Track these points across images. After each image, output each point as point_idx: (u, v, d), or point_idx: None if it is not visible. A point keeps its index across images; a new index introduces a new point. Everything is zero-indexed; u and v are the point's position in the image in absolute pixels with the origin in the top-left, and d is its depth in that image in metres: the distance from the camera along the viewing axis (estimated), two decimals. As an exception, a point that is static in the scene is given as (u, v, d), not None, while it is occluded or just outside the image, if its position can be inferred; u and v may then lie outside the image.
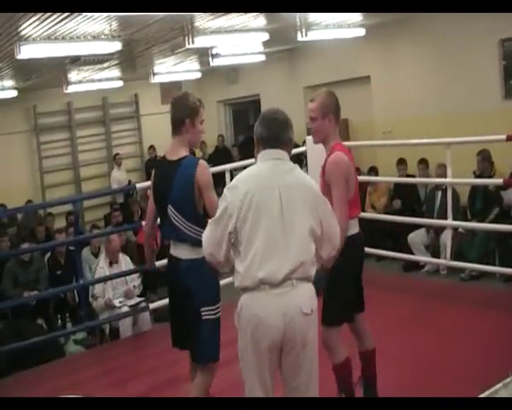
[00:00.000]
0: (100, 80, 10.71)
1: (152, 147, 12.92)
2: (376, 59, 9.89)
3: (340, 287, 3.66)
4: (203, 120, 3.81)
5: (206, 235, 3.04)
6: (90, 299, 6.69)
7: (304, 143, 7.42)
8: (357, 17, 8.29)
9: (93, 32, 6.54)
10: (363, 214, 8.19)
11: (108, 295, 6.64)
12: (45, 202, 11.60)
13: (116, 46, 7.04)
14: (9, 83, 9.89)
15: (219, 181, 9.92)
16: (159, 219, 3.90)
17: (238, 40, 8.35)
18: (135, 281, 6.90)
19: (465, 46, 8.34)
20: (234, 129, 14.42)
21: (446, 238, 6.82)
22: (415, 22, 8.84)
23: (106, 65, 9.28)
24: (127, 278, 6.82)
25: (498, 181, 6.87)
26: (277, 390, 2.96)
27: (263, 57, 10.80)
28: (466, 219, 7.69)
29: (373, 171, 9.30)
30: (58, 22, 5.76)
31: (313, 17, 7.70)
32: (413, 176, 8.69)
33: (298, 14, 7.45)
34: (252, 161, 6.99)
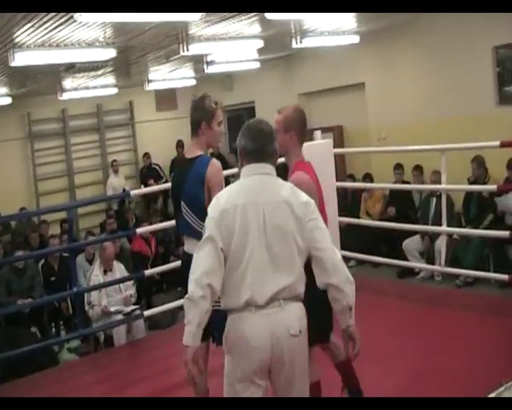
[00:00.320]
0: (95, 87, 10.69)
1: (147, 154, 12.91)
2: (371, 66, 9.91)
3: (316, 306, 3.60)
4: (221, 121, 3.88)
5: (199, 264, 2.76)
6: (87, 307, 6.66)
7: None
8: (351, 24, 8.32)
9: (88, 38, 6.54)
10: (358, 221, 8.29)
11: (104, 303, 6.62)
12: (39, 209, 11.56)
13: (111, 53, 7.04)
14: (3, 90, 9.87)
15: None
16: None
17: (233, 47, 8.36)
18: (129, 289, 6.88)
19: (459, 53, 8.37)
20: (229, 136, 14.41)
21: (441, 245, 6.83)
22: (409, 29, 8.87)
23: (100, 72, 9.27)
24: (121, 285, 6.81)
25: (492, 187, 6.89)
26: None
27: (258, 64, 10.81)
28: (460, 226, 7.71)
29: (368, 177, 9.31)
30: (52, 29, 5.76)
31: (308, 24, 7.72)
32: (408, 182, 8.71)
33: (292, 21, 7.46)
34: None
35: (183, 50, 7.27)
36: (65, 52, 6.67)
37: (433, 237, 7.77)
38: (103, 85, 10.80)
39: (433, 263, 7.60)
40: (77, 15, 4.95)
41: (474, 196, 7.66)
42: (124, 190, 11.78)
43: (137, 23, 5.92)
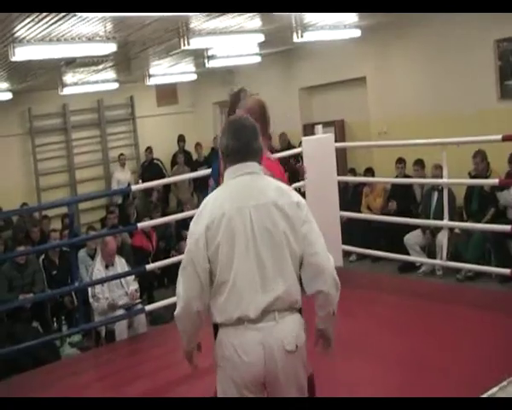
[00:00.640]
0: (95, 82, 10.69)
1: (149, 148, 12.88)
2: (372, 60, 9.88)
3: None
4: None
5: (183, 290, 2.64)
6: (91, 300, 6.64)
7: (300, 144, 7.42)
8: (352, 18, 8.29)
9: (88, 33, 6.52)
10: (359, 215, 8.27)
11: (111, 297, 6.61)
12: (40, 204, 11.56)
13: (111, 47, 7.02)
14: (4, 85, 9.86)
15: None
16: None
17: (234, 41, 8.34)
18: (131, 284, 6.87)
19: (461, 47, 8.34)
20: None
21: (442, 239, 6.82)
22: (410, 23, 8.84)
23: (101, 67, 9.25)
24: (123, 280, 6.80)
25: (494, 181, 6.87)
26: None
27: (258, 59, 10.79)
28: (462, 220, 7.70)
29: (369, 172, 9.30)
30: (52, 23, 5.75)
31: (309, 18, 7.70)
32: (409, 177, 8.70)
33: (293, 16, 7.44)
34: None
35: (184, 44, 7.25)
36: (65, 47, 6.65)
37: (435, 231, 7.76)
38: (104, 80, 10.79)
39: (434, 257, 7.59)
40: (77, 10, 4.94)
41: (476, 190, 7.65)
42: (128, 184, 11.76)
43: (138, 17, 5.91)
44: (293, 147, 7.86)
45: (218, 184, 3.38)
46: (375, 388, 3.96)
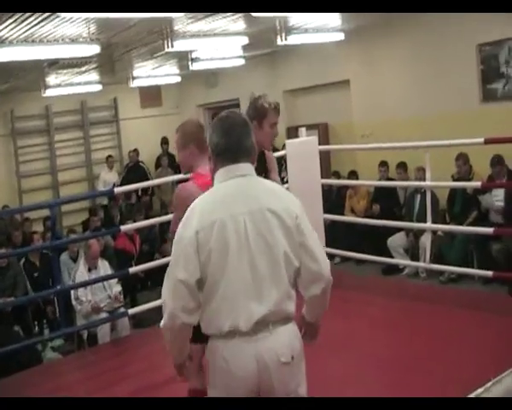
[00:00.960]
0: (78, 84, 10.61)
1: (135, 150, 12.81)
2: (355, 63, 9.92)
3: None
4: (274, 123, 3.86)
5: (171, 294, 2.45)
6: (74, 302, 6.60)
7: (283, 147, 7.42)
8: (336, 21, 8.31)
9: (71, 34, 6.48)
10: (343, 218, 8.29)
11: (94, 300, 6.57)
12: (22, 206, 11.46)
13: (95, 49, 6.98)
14: (-14, 86, 9.78)
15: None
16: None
17: (217, 44, 8.33)
18: (114, 287, 6.83)
19: (444, 50, 8.40)
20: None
21: (425, 241, 6.85)
22: (393, 26, 8.89)
23: (84, 68, 9.20)
24: (106, 283, 6.76)
25: (477, 184, 6.92)
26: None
27: (242, 61, 10.78)
28: (445, 222, 7.75)
29: (353, 174, 9.33)
30: (35, 25, 5.70)
31: (292, 21, 7.71)
32: (393, 179, 8.73)
33: (277, 18, 7.45)
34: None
35: (168, 47, 7.23)
36: (48, 48, 6.60)
37: (418, 233, 7.80)
38: (87, 82, 10.72)
39: (417, 260, 7.63)
40: (60, 11, 4.91)
41: (459, 192, 7.70)
42: (114, 184, 11.69)
43: (121, 19, 5.88)
44: (277, 150, 7.84)
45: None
46: (362, 387, 3.97)
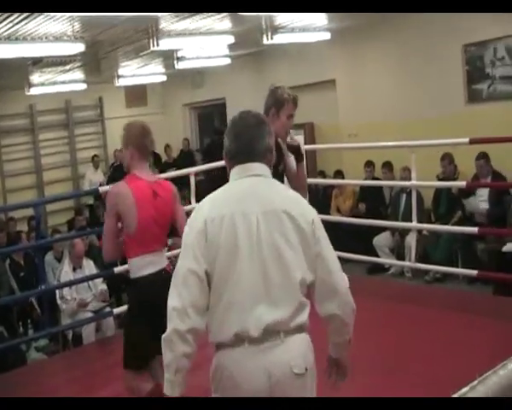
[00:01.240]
0: (63, 82, 10.55)
1: (121, 150, 12.72)
2: (341, 63, 9.94)
3: (129, 330, 3.65)
4: (291, 114, 3.93)
5: (179, 291, 2.27)
6: (59, 301, 6.54)
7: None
8: (322, 21, 8.32)
9: (55, 32, 6.44)
10: (329, 217, 8.30)
11: (79, 299, 6.52)
12: (5, 205, 11.36)
13: (79, 47, 6.93)
14: (-31, 85, 9.70)
15: (184, 185, 9.83)
16: None
17: (203, 43, 8.32)
18: (100, 285, 6.79)
19: (429, 51, 8.43)
20: (199, 132, 14.37)
21: (411, 241, 6.86)
22: (380, 27, 8.91)
23: (68, 67, 9.15)
24: (91, 283, 6.72)
25: (461, 184, 6.94)
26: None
27: (228, 60, 10.77)
28: (430, 222, 7.78)
29: (339, 174, 9.34)
30: (18, 22, 5.66)
31: (279, 20, 7.71)
32: (378, 179, 8.75)
33: (263, 17, 7.44)
34: (217, 164, 6.91)
35: (153, 45, 7.21)
36: (31, 46, 6.56)
37: (403, 233, 7.82)
38: (72, 81, 10.66)
39: (403, 259, 7.65)
40: (44, 8, 4.87)
41: (444, 192, 7.72)
42: (100, 184, 11.62)
43: (106, 17, 5.83)
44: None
45: None
46: (347, 388, 3.95)
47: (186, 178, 6.68)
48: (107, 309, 6.55)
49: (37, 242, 6.75)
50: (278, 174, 3.86)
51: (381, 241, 8.10)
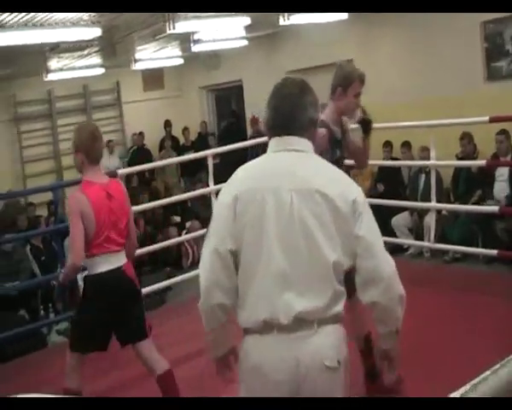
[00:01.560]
0: (80, 68, 10.58)
1: (141, 133, 12.81)
2: (358, 43, 9.85)
3: (80, 317, 3.84)
4: (359, 93, 3.94)
5: (205, 267, 2.22)
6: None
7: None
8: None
9: (72, 18, 6.45)
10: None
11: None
12: (25, 189, 11.45)
13: (96, 32, 6.95)
14: (-12, 71, 9.76)
15: (201, 167, 9.85)
16: None
17: (219, 25, 8.28)
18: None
19: (447, 29, 8.33)
20: (217, 115, 14.36)
21: (430, 221, 6.84)
22: (396, 5, 8.80)
23: (86, 52, 9.17)
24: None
25: (481, 163, 6.89)
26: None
27: (245, 42, 10.72)
28: (449, 202, 7.73)
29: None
30: (35, 8, 5.67)
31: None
32: (397, 159, 8.70)
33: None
34: (234, 146, 6.90)
35: (170, 29, 7.19)
36: (49, 32, 6.58)
37: (422, 213, 7.78)
38: (89, 66, 10.68)
39: (421, 239, 7.61)
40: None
41: (463, 172, 7.66)
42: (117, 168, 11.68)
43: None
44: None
45: None
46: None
47: (203, 160, 6.67)
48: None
49: (55, 226, 6.80)
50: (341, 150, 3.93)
51: (400, 221, 8.06)
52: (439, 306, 5.40)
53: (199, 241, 8.57)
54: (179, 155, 11.65)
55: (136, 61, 10.93)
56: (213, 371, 2.41)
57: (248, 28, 9.18)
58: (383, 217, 7.99)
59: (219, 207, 2.26)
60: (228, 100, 14.27)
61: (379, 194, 8.50)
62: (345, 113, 3.93)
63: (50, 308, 7.79)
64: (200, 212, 9.62)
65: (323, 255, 2.12)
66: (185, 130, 13.03)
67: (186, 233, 8.48)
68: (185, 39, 9.59)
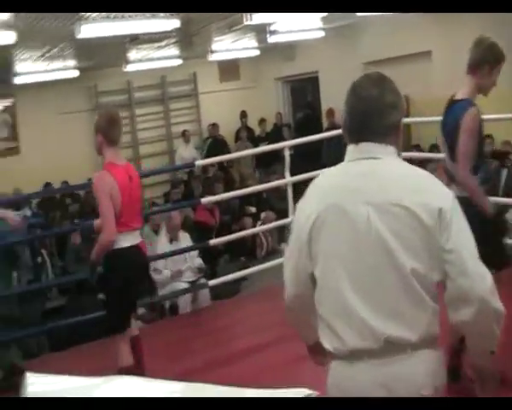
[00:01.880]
0: (159, 59, 10.79)
1: (215, 124, 12.94)
2: (437, 33, 9.61)
3: (110, 296, 4.09)
4: (497, 74, 3.80)
5: (286, 272, 2.16)
6: (153, 273, 6.74)
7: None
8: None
9: (151, 9, 6.57)
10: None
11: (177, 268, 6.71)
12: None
13: (174, 24, 7.06)
14: (72, 63, 10.06)
15: (275, 158, 9.83)
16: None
17: (296, 16, 8.25)
18: (195, 259, 6.92)
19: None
20: (292, 106, 14.34)
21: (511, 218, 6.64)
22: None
23: (164, 43, 9.33)
24: (187, 255, 6.87)
25: None
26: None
27: (322, 33, 10.65)
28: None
29: (435, 148, 9.11)
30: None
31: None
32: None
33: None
34: (309, 138, 6.83)
35: (247, 20, 7.22)
36: (129, 23, 6.74)
37: (503, 209, 7.55)
38: (167, 57, 10.88)
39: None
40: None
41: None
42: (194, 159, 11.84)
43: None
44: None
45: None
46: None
47: (278, 152, 6.67)
48: (203, 281, 6.69)
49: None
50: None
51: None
52: None
53: (273, 232, 8.61)
54: (255, 146, 11.72)
55: (212, 52, 11.05)
56: (278, 363, 2.42)
57: (325, 19, 9.11)
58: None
59: (298, 222, 2.09)
60: (303, 91, 14.22)
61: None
62: (483, 91, 3.80)
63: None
64: (275, 203, 9.64)
65: (407, 275, 1.90)
66: (262, 121, 13.08)
67: (261, 224, 8.52)
68: (261, 30, 9.62)
